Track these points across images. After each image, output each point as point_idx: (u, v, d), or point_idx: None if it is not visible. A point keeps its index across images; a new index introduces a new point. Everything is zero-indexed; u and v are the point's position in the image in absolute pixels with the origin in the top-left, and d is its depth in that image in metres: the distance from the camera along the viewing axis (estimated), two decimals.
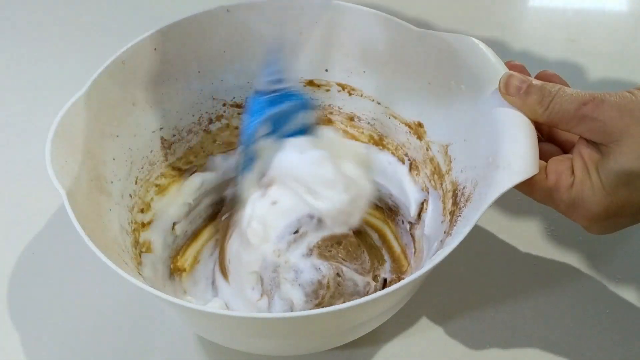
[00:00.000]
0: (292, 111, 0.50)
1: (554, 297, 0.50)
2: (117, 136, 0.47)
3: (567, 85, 0.40)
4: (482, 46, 0.45)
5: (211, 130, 0.55)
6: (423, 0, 0.78)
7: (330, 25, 0.51)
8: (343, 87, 0.54)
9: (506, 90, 0.39)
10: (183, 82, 0.52)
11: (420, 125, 0.50)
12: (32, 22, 0.79)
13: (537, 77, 0.41)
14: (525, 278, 0.51)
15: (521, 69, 0.43)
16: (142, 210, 0.50)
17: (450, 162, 0.47)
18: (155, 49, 0.49)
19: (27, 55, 0.74)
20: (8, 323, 0.49)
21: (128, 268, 0.40)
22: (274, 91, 0.49)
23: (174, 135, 0.53)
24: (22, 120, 0.66)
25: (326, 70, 0.54)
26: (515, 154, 0.38)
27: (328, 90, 0.55)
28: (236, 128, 0.56)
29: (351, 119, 0.55)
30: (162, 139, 0.52)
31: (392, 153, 0.54)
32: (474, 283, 0.51)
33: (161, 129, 0.51)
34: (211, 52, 0.52)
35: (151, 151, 0.51)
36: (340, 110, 0.55)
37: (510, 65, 0.43)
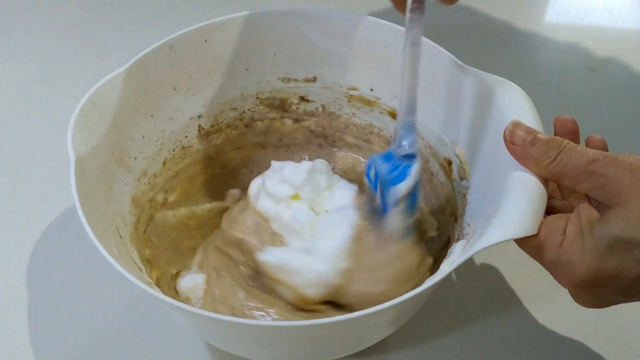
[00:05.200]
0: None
1: (560, 305, 0.49)
2: (152, 116, 0.49)
3: (578, 135, 0.39)
4: (520, 93, 0.43)
5: (253, 128, 0.56)
6: (439, 25, 0.75)
7: (380, 45, 0.51)
8: (386, 109, 0.53)
9: (511, 138, 0.38)
10: (229, 76, 0.53)
11: (449, 163, 0.49)
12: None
13: (554, 121, 0.40)
14: (533, 287, 0.51)
15: (572, 125, 0.41)
16: (165, 191, 0.51)
17: (466, 205, 0.45)
18: (205, 40, 0.51)
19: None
20: (16, 323, 0.50)
21: (122, 247, 0.42)
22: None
23: (213, 126, 0.54)
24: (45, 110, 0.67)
25: (371, 90, 0.53)
26: (513, 211, 0.36)
27: (372, 110, 0.54)
28: (275, 131, 0.56)
29: (389, 143, 0.55)
30: (200, 127, 0.53)
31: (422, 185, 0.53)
32: (481, 294, 0.51)
33: (200, 117, 0.53)
34: (262, 52, 0.53)
35: (186, 137, 0.53)
36: (380, 133, 0.55)
37: (561, 119, 0.41)
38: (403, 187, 0.42)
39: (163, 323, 0.49)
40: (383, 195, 0.44)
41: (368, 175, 0.45)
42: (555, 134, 0.41)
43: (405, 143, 0.44)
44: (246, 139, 0.56)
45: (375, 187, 0.45)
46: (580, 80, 0.71)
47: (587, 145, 0.40)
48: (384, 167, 0.44)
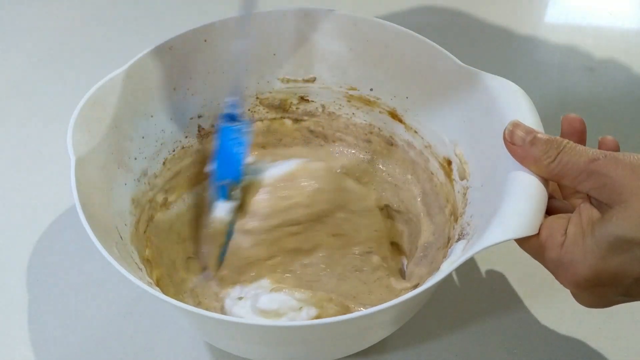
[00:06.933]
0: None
1: (561, 305, 0.49)
2: (152, 116, 0.49)
3: (585, 135, 0.39)
4: (520, 93, 0.43)
5: (252, 128, 0.56)
6: (439, 25, 0.77)
7: (380, 45, 0.51)
8: (385, 109, 0.53)
9: (511, 139, 0.38)
10: (229, 76, 0.53)
11: (449, 163, 0.49)
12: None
13: (562, 120, 0.40)
14: (533, 287, 0.51)
15: (580, 125, 0.41)
16: (165, 191, 0.51)
17: (466, 205, 0.45)
18: (205, 40, 0.51)
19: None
20: (16, 323, 0.49)
21: (123, 249, 0.42)
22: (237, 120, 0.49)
23: (213, 126, 0.54)
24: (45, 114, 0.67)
25: (371, 90, 0.53)
26: (513, 211, 0.36)
27: (372, 110, 0.54)
28: (274, 131, 0.56)
29: (390, 144, 0.55)
30: (200, 127, 0.53)
31: (422, 184, 0.53)
32: (481, 294, 0.51)
33: (200, 117, 0.53)
34: (262, 52, 0.53)
35: (186, 137, 0.53)
36: (380, 132, 0.55)
37: (569, 118, 0.41)
38: None
39: (163, 323, 0.49)
40: None
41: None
42: (562, 132, 0.41)
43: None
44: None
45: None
46: (580, 80, 0.71)
47: (599, 146, 0.40)
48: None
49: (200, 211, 0.52)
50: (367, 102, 0.54)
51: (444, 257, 0.44)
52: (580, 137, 0.40)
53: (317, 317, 0.44)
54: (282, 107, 0.56)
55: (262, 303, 0.45)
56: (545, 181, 0.37)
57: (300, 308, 0.45)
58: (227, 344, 0.44)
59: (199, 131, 0.53)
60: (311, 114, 0.56)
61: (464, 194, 0.46)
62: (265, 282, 0.48)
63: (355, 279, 0.49)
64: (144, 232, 0.47)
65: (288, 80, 0.54)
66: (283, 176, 0.49)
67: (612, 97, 0.69)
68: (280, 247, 0.49)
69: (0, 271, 0.53)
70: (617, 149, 0.40)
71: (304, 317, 0.44)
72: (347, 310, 0.45)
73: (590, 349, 0.48)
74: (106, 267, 0.36)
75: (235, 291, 0.48)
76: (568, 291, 0.37)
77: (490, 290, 0.52)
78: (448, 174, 0.49)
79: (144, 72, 0.48)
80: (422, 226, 0.50)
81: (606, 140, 0.40)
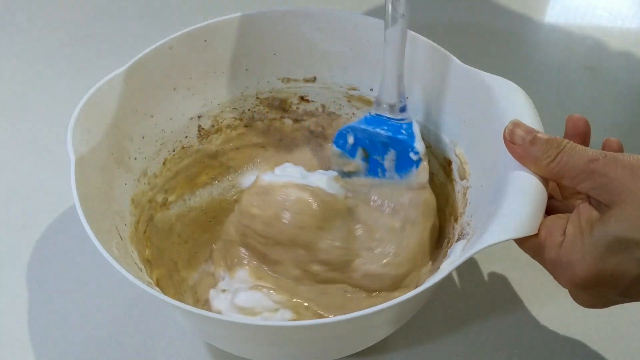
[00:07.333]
0: (390, 144, 0.49)
1: (561, 305, 0.49)
2: (152, 116, 0.49)
3: (589, 136, 0.39)
4: (520, 93, 0.43)
5: (253, 128, 0.56)
6: (438, 25, 0.78)
7: (380, 45, 0.51)
8: None
9: (511, 138, 0.38)
10: (229, 77, 0.53)
11: (449, 163, 0.49)
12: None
13: (566, 121, 0.40)
14: (533, 287, 0.51)
15: (584, 126, 0.41)
16: (165, 191, 0.51)
17: (466, 205, 0.45)
18: (205, 41, 0.51)
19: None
20: (16, 323, 0.49)
21: (121, 246, 0.42)
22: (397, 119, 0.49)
23: (213, 126, 0.54)
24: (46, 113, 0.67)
25: (371, 90, 0.53)
26: (513, 210, 0.36)
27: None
28: (275, 131, 0.56)
29: None
30: (200, 127, 0.53)
31: None
32: (481, 294, 0.51)
33: (199, 117, 0.53)
34: (262, 52, 0.53)
35: (186, 137, 0.53)
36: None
37: (574, 119, 0.41)
38: (421, 146, 0.48)
39: (163, 323, 0.49)
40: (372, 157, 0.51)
41: (339, 144, 0.52)
42: (565, 133, 0.41)
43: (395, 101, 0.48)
44: (246, 139, 0.56)
45: (353, 154, 0.51)
46: (580, 80, 0.71)
47: (603, 148, 0.40)
48: (381, 131, 0.49)
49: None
50: (367, 102, 0.54)
51: (444, 257, 0.44)
52: (583, 138, 0.40)
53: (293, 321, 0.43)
54: (282, 107, 0.56)
55: (239, 299, 0.44)
56: (545, 181, 0.37)
57: (276, 310, 0.45)
58: (225, 344, 0.43)
59: (199, 131, 0.54)
60: (311, 114, 0.56)
61: (464, 194, 0.46)
62: (246, 276, 0.47)
63: (340, 296, 0.47)
64: (144, 232, 0.47)
65: (288, 80, 0.55)
66: (265, 186, 0.47)
67: (612, 97, 0.69)
68: (245, 242, 0.47)
69: (0, 271, 0.53)
70: (621, 150, 0.40)
71: (279, 319, 0.44)
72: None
73: (590, 349, 0.48)
74: (106, 267, 0.36)
75: (224, 282, 0.48)
76: (567, 291, 0.37)
77: (490, 290, 0.52)
78: (448, 174, 0.49)
79: (144, 71, 0.48)
80: None
81: (610, 141, 0.40)
